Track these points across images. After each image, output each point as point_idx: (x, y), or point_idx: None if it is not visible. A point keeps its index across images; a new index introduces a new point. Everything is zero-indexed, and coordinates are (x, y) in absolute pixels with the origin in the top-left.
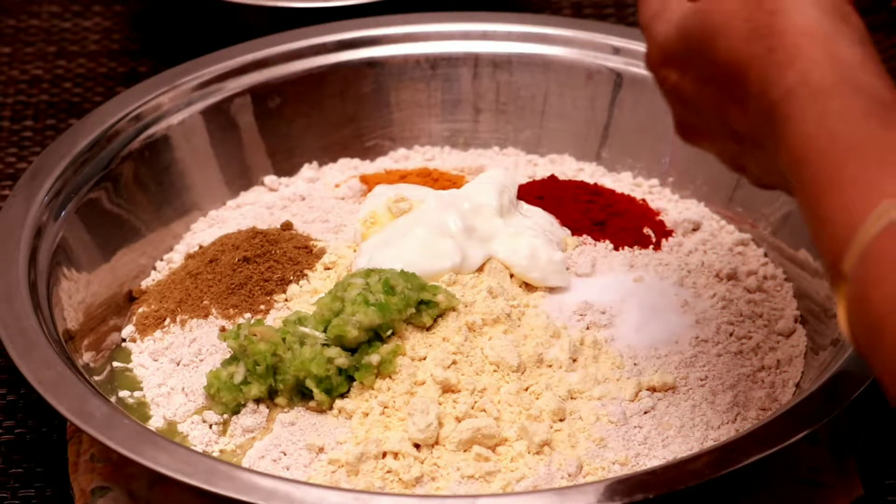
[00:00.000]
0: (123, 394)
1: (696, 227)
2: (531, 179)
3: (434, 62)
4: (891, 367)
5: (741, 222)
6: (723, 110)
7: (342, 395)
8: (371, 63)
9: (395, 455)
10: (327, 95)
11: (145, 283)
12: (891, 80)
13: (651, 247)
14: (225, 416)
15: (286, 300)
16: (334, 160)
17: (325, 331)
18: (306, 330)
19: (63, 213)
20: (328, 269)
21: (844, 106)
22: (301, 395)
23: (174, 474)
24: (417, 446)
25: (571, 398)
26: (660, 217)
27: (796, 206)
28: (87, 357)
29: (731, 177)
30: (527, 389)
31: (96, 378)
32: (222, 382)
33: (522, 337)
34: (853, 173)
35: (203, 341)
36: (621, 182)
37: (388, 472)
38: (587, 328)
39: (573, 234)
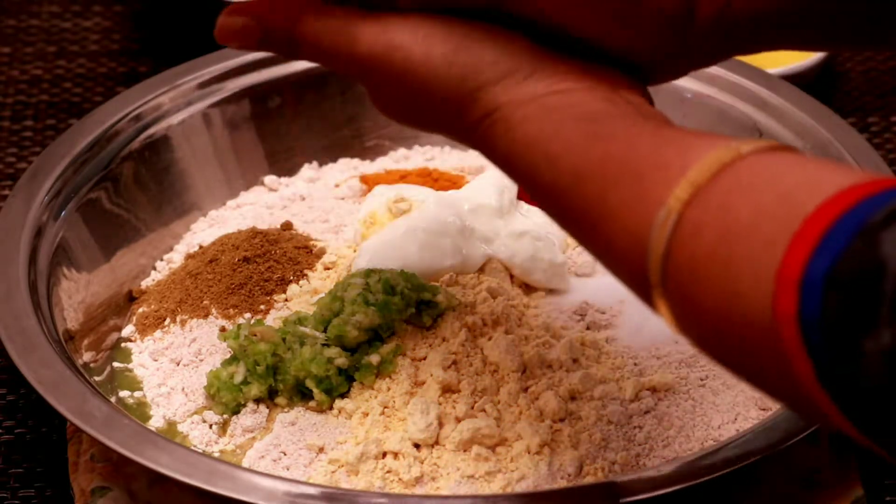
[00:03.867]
0: (123, 394)
1: None
2: None
3: None
4: (746, 351)
5: None
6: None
7: (342, 395)
8: None
9: (395, 455)
10: (327, 95)
11: (145, 283)
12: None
13: None
14: (225, 416)
15: (286, 300)
16: (334, 160)
17: (325, 331)
18: (306, 330)
19: (63, 213)
20: (328, 269)
21: (563, 139)
22: (301, 395)
23: (174, 474)
24: (417, 446)
25: (571, 398)
26: None
27: None
28: (87, 357)
29: None
30: (527, 390)
31: (96, 378)
32: (222, 382)
33: (522, 337)
34: (615, 199)
35: (203, 341)
36: None
37: (388, 472)
38: (587, 328)
39: None
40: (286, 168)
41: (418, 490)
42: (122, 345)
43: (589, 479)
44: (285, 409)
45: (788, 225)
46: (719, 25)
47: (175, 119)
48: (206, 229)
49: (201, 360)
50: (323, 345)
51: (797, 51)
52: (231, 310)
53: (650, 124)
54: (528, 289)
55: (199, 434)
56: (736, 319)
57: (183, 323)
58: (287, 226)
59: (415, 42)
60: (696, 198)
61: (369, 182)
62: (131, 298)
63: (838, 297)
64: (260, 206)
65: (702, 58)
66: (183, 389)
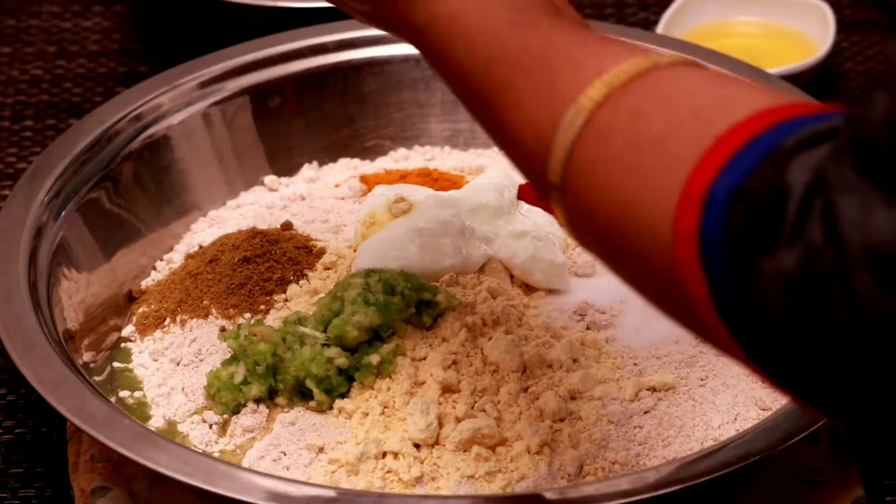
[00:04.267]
0: (123, 394)
1: None
2: None
3: None
4: (638, 265)
5: None
6: None
7: (342, 395)
8: (371, 63)
9: (395, 455)
10: (327, 95)
11: (145, 283)
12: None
13: None
14: (225, 416)
15: (286, 300)
16: (334, 160)
17: (325, 331)
18: (306, 330)
19: (63, 213)
20: (328, 269)
21: (482, 20)
22: (301, 395)
23: (174, 474)
24: (417, 446)
25: (572, 398)
26: None
27: None
28: (87, 357)
29: None
30: (527, 390)
31: (96, 378)
32: (222, 382)
33: (522, 337)
34: (524, 90)
35: (203, 341)
36: None
37: (388, 472)
38: (587, 328)
39: None
40: (286, 168)
41: (418, 490)
42: (122, 345)
43: (589, 479)
44: (285, 409)
45: (699, 141)
46: None
47: (175, 119)
48: (206, 229)
49: (201, 360)
50: (323, 345)
51: None
52: (231, 310)
53: (570, 24)
54: (528, 289)
55: (199, 434)
56: (631, 229)
57: (183, 323)
58: (287, 226)
59: None
60: (609, 100)
61: (369, 182)
62: (131, 298)
63: (741, 214)
64: (260, 206)
65: None
66: (183, 389)
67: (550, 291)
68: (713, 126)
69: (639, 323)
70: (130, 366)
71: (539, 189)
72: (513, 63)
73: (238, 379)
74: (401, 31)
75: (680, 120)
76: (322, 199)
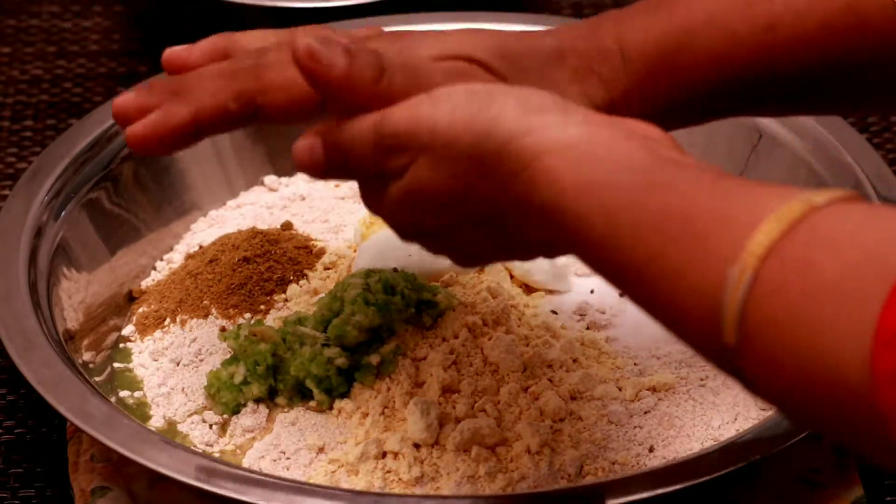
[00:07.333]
0: (123, 394)
1: None
2: None
3: None
4: (831, 412)
5: None
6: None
7: (342, 395)
8: None
9: (395, 455)
10: None
11: (145, 283)
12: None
13: None
14: (225, 416)
15: (286, 300)
16: None
17: (325, 331)
18: (306, 330)
19: (63, 213)
20: (328, 269)
21: (615, 195)
22: (301, 395)
23: (174, 474)
24: (417, 446)
25: (571, 398)
26: None
27: None
28: (87, 357)
29: (735, 171)
30: (527, 390)
31: (96, 378)
32: (222, 382)
33: (522, 337)
34: (675, 258)
35: (203, 341)
36: None
37: (388, 472)
38: (587, 328)
39: None
40: (286, 168)
41: (418, 490)
42: (122, 345)
43: (589, 479)
44: (285, 409)
45: (881, 280)
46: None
47: None
48: (206, 229)
49: (201, 360)
50: (323, 345)
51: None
52: (231, 310)
53: (706, 175)
54: (528, 288)
55: (199, 434)
56: (822, 378)
57: (183, 323)
58: (287, 226)
59: (437, 111)
60: (772, 253)
61: None
62: (131, 298)
63: None
64: (260, 206)
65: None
66: (183, 389)
67: (550, 291)
68: (888, 263)
69: (639, 323)
70: (130, 366)
71: (712, 355)
72: (659, 231)
73: (238, 379)
74: (527, 216)
75: (854, 262)
76: (322, 199)
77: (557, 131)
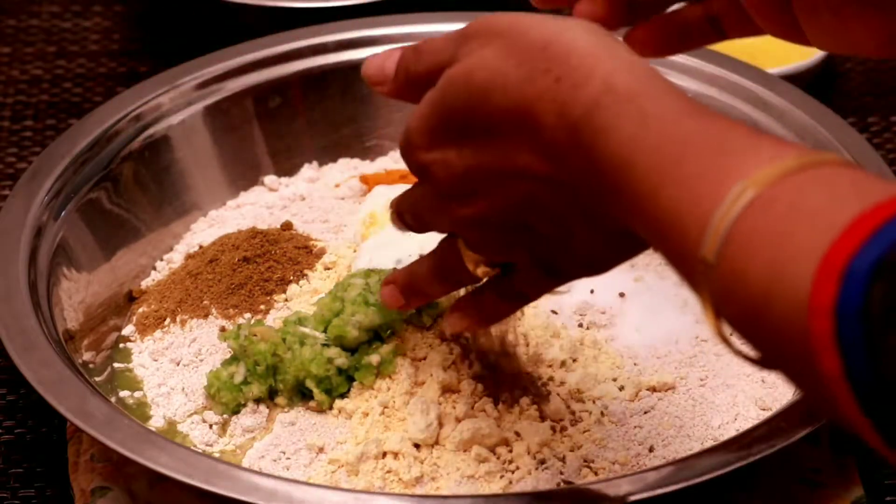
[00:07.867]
0: (123, 394)
1: None
2: None
3: None
4: (778, 338)
5: None
6: (509, 166)
7: (342, 395)
8: None
9: (395, 455)
10: (327, 95)
11: (145, 283)
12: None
13: None
14: (225, 416)
15: (286, 300)
16: (334, 160)
17: (325, 331)
18: (306, 330)
19: (63, 213)
20: (328, 269)
21: (660, 104)
22: (301, 395)
23: (174, 474)
24: (417, 446)
25: (571, 398)
26: None
27: None
28: (87, 357)
29: None
30: (527, 390)
31: (96, 378)
32: (222, 382)
33: (522, 337)
34: (693, 166)
35: (203, 341)
36: None
37: (388, 472)
38: (587, 328)
39: None
40: (286, 168)
41: (418, 490)
42: (122, 345)
43: (589, 479)
44: (285, 409)
45: (850, 213)
46: None
47: (175, 119)
48: (206, 229)
49: (201, 360)
50: (323, 345)
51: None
52: (231, 310)
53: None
54: None
55: (199, 434)
56: (776, 303)
57: (183, 323)
58: (287, 226)
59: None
60: (781, 181)
61: (369, 182)
62: (131, 298)
63: (884, 288)
64: (260, 206)
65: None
66: (183, 389)
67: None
68: (869, 198)
69: (639, 323)
70: (130, 366)
71: (681, 266)
72: (685, 142)
73: (238, 379)
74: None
75: (841, 194)
76: (322, 199)
77: (621, 61)
